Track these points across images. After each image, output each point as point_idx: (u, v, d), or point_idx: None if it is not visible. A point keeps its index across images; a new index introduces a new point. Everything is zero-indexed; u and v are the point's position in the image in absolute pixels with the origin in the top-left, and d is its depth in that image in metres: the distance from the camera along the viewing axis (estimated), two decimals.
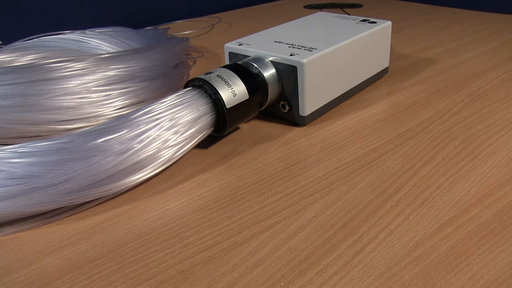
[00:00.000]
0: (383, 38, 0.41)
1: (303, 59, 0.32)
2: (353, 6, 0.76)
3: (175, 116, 0.28)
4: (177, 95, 0.29)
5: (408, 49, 0.52)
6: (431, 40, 0.56)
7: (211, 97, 0.30)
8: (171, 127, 0.27)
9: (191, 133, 0.29)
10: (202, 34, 0.64)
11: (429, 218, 0.23)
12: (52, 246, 0.23)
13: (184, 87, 0.31)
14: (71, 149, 0.25)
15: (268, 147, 0.32)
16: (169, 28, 0.54)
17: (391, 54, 0.43)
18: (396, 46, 0.53)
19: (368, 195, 0.26)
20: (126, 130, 0.26)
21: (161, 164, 0.27)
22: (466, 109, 0.36)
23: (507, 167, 0.28)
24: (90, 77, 0.33)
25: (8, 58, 0.44)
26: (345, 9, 0.73)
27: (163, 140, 0.27)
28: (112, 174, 0.25)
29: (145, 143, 0.26)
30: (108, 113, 0.34)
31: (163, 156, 0.27)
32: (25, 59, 0.45)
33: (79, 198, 0.24)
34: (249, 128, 0.35)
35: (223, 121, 0.30)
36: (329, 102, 0.36)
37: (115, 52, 0.37)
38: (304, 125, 0.35)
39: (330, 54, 0.34)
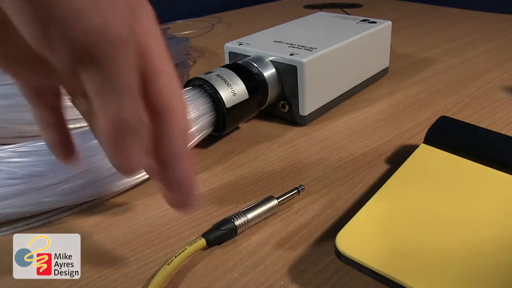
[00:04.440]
0: (383, 38, 0.41)
1: (303, 59, 0.32)
2: (353, 6, 0.76)
3: None
4: None
5: (408, 49, 0.52)
6: (431, 40, 0.56)
7: (211, 97, 0.30)
8: None
9: (191, 132, 0.29)
10: (202, 34, 0.64)
11: None
12: None
13: (184, 87, 0.31)
14: None
15: (268, 146, 0.32)
16: (169, 28, 0.54)
17: (391, 54, 0.43)
18: (396, 46, 0.53)
19: (368, 195, 0.26)
20: None
21: None
22: (466, 109, 0.36)
23: None
24: None
25: None
26: (345, 9, 0.73)
27: None
28: (112, 174, 0.25)
29: None
30: None
31: None
32: None
33: (79, 198, 0.24)
34: (249, 127, 0.35)
35: (223, 121, 0.30)
36: (329, 102, 0.36)
37: None
38: (304, 125, 0.35)
39: (330, 54, 0.34)
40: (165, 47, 0.15)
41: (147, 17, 0.14)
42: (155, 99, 0.15)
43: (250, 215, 0.23)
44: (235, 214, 0.23)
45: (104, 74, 0.12)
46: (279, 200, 0.24)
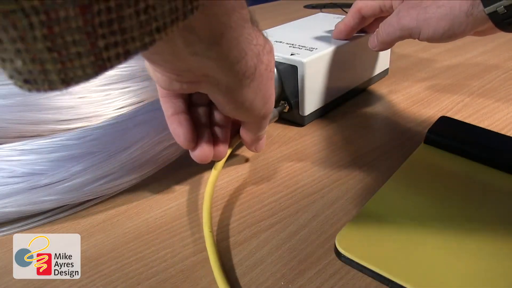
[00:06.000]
0: None
1: (304, 59, 0.32)
2: None
3: None
4: None
5: (408, 49, 0.52)
6: None
7: None
8: None
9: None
10: None
11: None
12: None
13: None
14: (72, 147, 0.25)
15: (268, 146, 0.32)
16: None
17: (391, 54, 0.43)
18: (396, 46, 0.53)
19: (368, 195, 0.26)
20: None
21: (161, 162, 0.27)
22: (466, 109, 0.36)
23: None
24: None
25: None
26: (345, 9, 0.73)
27: None
28: (112, 173, 0.25)
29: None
30: (108, 112, 0.34)
31: (163, 155, 0.27)
32: None
33: (79, 196, 0.24)
34: None
35: None
36: (329, 102, 0.36)
37: None
38: (304, 125, 0.35)
39: (330, 55, 0.34)
40: None
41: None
42: None
43: None
44: None
45: (259, 124, 0.25)
46: None
